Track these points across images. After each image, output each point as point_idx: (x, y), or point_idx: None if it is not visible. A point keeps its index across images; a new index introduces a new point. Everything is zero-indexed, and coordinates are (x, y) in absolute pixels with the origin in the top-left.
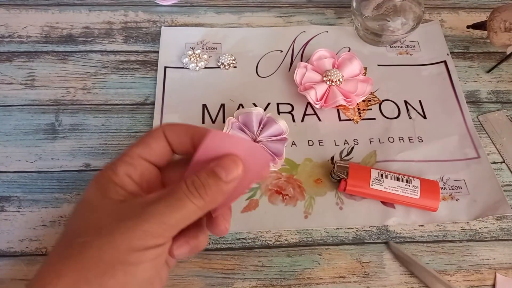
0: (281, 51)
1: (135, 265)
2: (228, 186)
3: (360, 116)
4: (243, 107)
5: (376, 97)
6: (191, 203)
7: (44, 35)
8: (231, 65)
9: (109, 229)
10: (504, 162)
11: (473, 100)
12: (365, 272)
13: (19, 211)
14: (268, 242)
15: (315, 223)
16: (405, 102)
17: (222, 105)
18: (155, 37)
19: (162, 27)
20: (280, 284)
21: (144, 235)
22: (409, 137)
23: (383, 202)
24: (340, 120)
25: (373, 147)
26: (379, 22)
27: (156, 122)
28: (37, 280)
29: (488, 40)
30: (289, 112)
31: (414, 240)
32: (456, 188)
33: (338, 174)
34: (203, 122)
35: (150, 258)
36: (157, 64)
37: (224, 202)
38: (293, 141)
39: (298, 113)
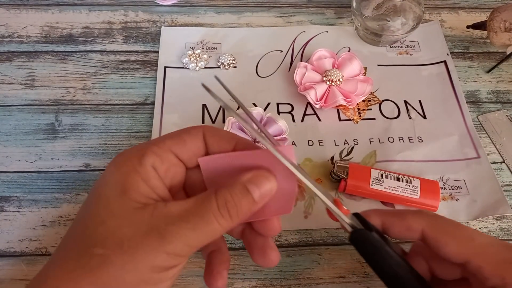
0: (281, 51)
1: (155, 285)
2: (258, 206)
3: (360, 116)
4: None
5: (376, 97)
6: (218, 225)
7: (44, 35)
8: (231, 65)
9: (131, 245)
10: (504, 162)
11: (473, 100)
12: (365, 272)
13: (19, 211)
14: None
15: (315, 223)
16: (405, 102)
17: None
18: (155, 37)
19: (162, 27)
20: (280, 284)
21: (167, 257)
22: (409, 137)
23: (383, 202)
24: (340, 120)
25: (373, 147)
26: (379, 22)
27: (156, 122)
28: (48, 284)
29: (488, 40)
30: (289, 112)
31: (414, 240)
32: (456, 188)
33: (338, 174)
34: (203, 122)
35: (170, 277)
36: (157, 64)
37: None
38: (293, 141)
39: (298, 113)
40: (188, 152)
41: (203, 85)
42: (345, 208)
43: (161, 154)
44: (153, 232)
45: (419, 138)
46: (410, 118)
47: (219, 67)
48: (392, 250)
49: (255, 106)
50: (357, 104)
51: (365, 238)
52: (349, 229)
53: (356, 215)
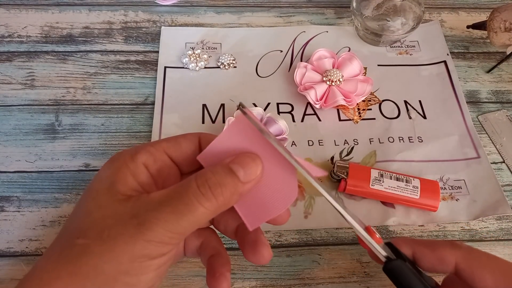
0: (281, 51)
1: (137, 276)
2: (245, 187)
3: (360, 116)
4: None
5: (376, 97)
6: (202, 206)
7: (44, 35)
8: (231, 65)
9: (111, 234)
10: (504, 162)
11: (473, 100)
12: (365, 272)
13: (19, 211)
14: (268, 242)
15: (315, 223)
16: (405, 102)
17: (222, 105)
18: (155, 37)
19: (162, 27)
20: (280, 284)
21: (147, 245)
22: (409, 137)
23: (383, 202)
24: (340, 120)
25: (373, 147)
26: (379, 22)
27: (156, 122)
28: (35, 275)
29: (488, 40)
30: (289, 112)
31: None
32: (456, 188)
33: (338, 174)
34: (203, 122)
35: (154, 268)
36: (157, 64)
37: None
38: (293, 141)
39: (298, 113)
40: (182, 155)
41: (241, 107)
42: (377, 236)
43: (154, 153)
44: (132, 220)
45: (419, 138)
46: (410, 118)
47: (219, 67)
48: (426, 282)
49: (255, 106)
50: (357, 104)
51: (400, 269)
52: (383, 258)
53: (388, 244)
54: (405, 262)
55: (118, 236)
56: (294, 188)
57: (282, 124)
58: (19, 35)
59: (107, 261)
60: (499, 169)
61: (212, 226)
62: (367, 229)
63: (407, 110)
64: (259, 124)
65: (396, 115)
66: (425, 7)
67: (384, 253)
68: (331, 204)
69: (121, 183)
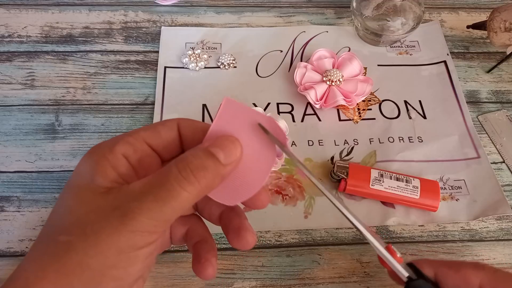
0: (281, 51)
1: (124, 269)
2: (226, 169)
3: (360, 116)
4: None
5: (376, 97)
6: (184, 191)
7: (44, 35)
8: (231, 65)
9: (94, 229)
10: (504, 162)
11: (473, 100)
12: (365, 272)
13: (19, 211)
14: (268, 242)
15: (315, 223)
16: (405, 102)
17: None
18: (155, 37)
19: (162, 27)
20: (280, 284)
21: (132, 236)
22: (409, 137)
23: (383, 202)
24: (340, 120)
25: (373, 147)
26: (379, 22)
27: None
28: (19, 276)
29: (488, 40)
30: (289, 112)
31: (414, 240)
32: (456, 188)
33: (338, 174)
34: (203, 122)
35: (141, 259)
36: (157, 64)
37: (229, 196)
38: (293, 141)
39: (298, 113)
40: (162, 143)
41: (260, 126)
42: (398, 255)
43: (134, 144)
44: (115, 212)
45: (419, 138)
46: (410, 118)
47: (219, 67)
48: None
49: (255, 106)
50: (357, 104)
51: None
52: (405, 278)
53: (410, 265)
54: (427, 283)
55: (101, 229)
56: (270, 165)
57: (282, 124)
58: (19, 35)
59: (92, 256)
60: (499, 169)
61: (197, 213)
62: (387, 248)
63: (407, 110)
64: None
65: (396, 115)
66: (425, 7)
67: (405, 273)
68: (353, 223)
69: (101, 176)
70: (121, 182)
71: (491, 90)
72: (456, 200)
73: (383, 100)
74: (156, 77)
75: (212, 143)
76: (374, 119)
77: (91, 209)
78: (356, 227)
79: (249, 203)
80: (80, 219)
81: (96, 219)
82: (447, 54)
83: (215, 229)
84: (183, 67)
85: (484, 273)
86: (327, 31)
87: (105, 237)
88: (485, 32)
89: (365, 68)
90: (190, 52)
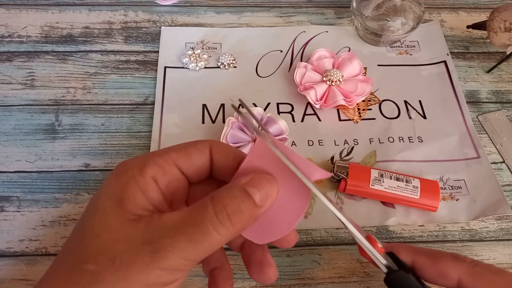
0: (281, 51)
1: None
2: (260, 210)
3: (360, 116)
4: (243, 107)
5: (376, 97)
6: (218, 234)
7: (44, 35)
8: (231, 65)
9: (123, 262)
10: (504, 162)
11: (473, 100)
12: (365, 272)
13: (19, 211)
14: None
15: (315, 223)
16: (405, 102)
17: (222, 105)
18: (155, 37)
19: (162, 27)
20: (280, 284)
21: (162, 273)
22: (409, 137)
23: (383, 202)
24: (340, 120)
25: (373, 147)
26: (379, 22)
27: (156, 122)
28: None
29: (488, 40)
30: (289, 112)
31: (414, 240)
32: (456, 188)
33: (338, 174)
34: (203, 122)
35: None
36: (157, 64)
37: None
38: (293, 141)
39: (298, 113)
40: (193, 167)
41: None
42: (379, 245)
43: (164, 166)
44: (146, 247)
45: (419, 138)
46: (410, 118)
47: (219, 67)
48: None
49: (255, 106)
50: (357, 104)
51: (403, 282)
52: (384, 269)
53: (390, 254)
54: (407, 274)
55: (131, 264)
56: (303, 207)
57: (282, 124)
58: (19, 35)
59: None
60: (499, 169)
61: None
62: (368, 238)
63: (407, 110)
64: (279, 149)
65: (396, 115)
66: (425, 7)
67: (385, 263)
68: (333, 212)
69: (130, 201)
70: (150, 209)
71: (491, 90)
72: (456, 200)
73: (383, 100)
74: (156, 77)
75: (249, 182)
76: (374, 119)
77: (119, 237)
78: (340, 220)
79: (275, 242)
80: (107, 247)
81: (125, 251)
82: (447, 54)
83: None
84: (183, 67)
85: (462, 266)
86: (327, 31)
87: (136, 272)
88: (485, 32)
89: (365, 68)
90: (190, 52)
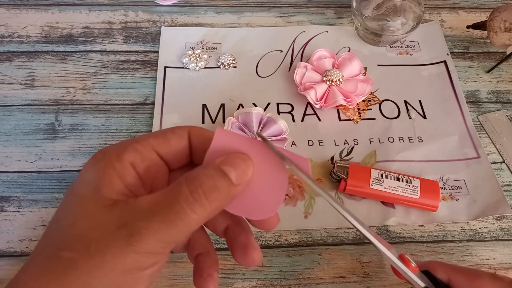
0: (281, 51)
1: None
2: (237, 189)
3: (360, 116)
4: (243, 107)
5: (376, 97)
6: (194, 214)
7: (44, 35)
8: (231, 65)
9: (98, 247)
10: (504, 162)
11: (473, 100)
12: (365, 272)
13: (19, 211)
14: (268, 242)
15: (315, 223)
16: (405, 102)
17: (222, 105)
18: (155, 37)
19: (162, 27)
20: (280, 284)
21: (138, 257)
22: (409, 137)
23: (383, 202)
24: (340, 120)
25: (373, 147)
26: (379, 22)
27: (156, 122)
28: None
29: (488, 40)
30: (289, 112)
31: (414, 240)
32: (456, 188)
33: (338, 174)
34: (203, 122)
35: (145, 279)
36: (157, 64)
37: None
38: (293, 141)
39: (298, 113)
40: (172, 152)
41: (260, 135)
42: (413, 265)
43: (142, 152)
44: (121, 231)
45: (419, 138)
46: (410, 118)
47: (219, 67)
48: None
49: (255, 106)
50: (357, 104)
51: None
52: None
53: (425, 272)
54: None
55: (106, 249)
56: (283, 190)
57: (282, 124)
58: (19, 35)
59: (96, 277)
60: (499, 169)
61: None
62: (401, 258)
63: (407, 110)
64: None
65: (396, 115)
66: (425, 7)
67: (422, 285)
68: (363, 234)
69: (107, 187)
70: (127, 194)
71: (491, 90)
72: (456, 200)
73: (383, 100)
74: (156, 77)
75: (224, 161)
76: (374, 119)
77: (95, 224)
78: (368, 238)
79: (257, 224)
80: (84, 234)
81: (100, 237)
82: (447, 54)
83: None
84: (183, 67)
85: (501, 285)
86: (327, 31)
87: (111, 257)
88: (485, 32)
89: (365, 68)
90: (190, 52)
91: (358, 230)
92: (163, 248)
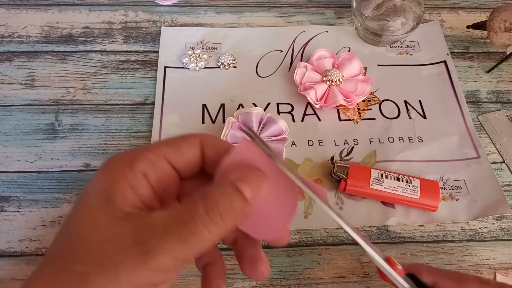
0: (281, 51)
1: None
2: (251, 207)
3: (360, 116)
4: (243, 107)
5: (376, 97)
6: (208, 233)
7: (44, 35)
8: (231, 65)
9: (112, 262)
10: (504, 162)
11: (473, 100)
12: (365, 272)
13: (19, 211)
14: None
15: (315, 223)
16: (405, 102)
17: (222, 105)
18: (155, 37)
19: (162, 27)
20: (280, 284)
21: (152, 274)
22: (409, 137)
23: (383, 202)
24: (340, 120)
25: (373, 147)
26: (379, 22)
27: (156, 122)
28: None
29: (488, 40)
30: (289, 112)
31: (414, 240)
32: (456, 188)
33: (338, 174)
34: (203, 122)
35: None
36: (157, 64)
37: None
38: (293, 141)
39: (298, 113)
40: (184, 161)
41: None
42: (399, 267)
43: (154, 161)
44: (135, 248)
45: (419, 138)
46: (410, 118)
47: (219, 67)
48: None
49: (255, 106)
50: (357, 104)
51: None
52: None
53: (411, 276)
54: None
55: (120, 265)
56: (294, 207)
57: (282, 124)
58: (19, 35)
59: None
60: (499, 169)
61: None
62: (387, 260)
63: (407, 110)
64: (266, 149)
65: (396, 115)
66: (425, 7)
67: (407, 286)
68: (348, 233)
69: (119, 198)
70: (139, 207)
71: (491, 90)
72: (456, 200)
73: (383, 100)
74: (156, 77)
75: (238, 177)
76: (374, 119)
77: (107, 237)
78: (359, 244)
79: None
80: (96, 248)
81: (114, 251)
82: (447, 54)
83: None
84: (183, 67)
85: None
86: (327, 31)
87: (125, 273)
88: (485, 32)
89: (365, 68)
90: (190, 52)
91: (346, 231)
92: (176, 266)
